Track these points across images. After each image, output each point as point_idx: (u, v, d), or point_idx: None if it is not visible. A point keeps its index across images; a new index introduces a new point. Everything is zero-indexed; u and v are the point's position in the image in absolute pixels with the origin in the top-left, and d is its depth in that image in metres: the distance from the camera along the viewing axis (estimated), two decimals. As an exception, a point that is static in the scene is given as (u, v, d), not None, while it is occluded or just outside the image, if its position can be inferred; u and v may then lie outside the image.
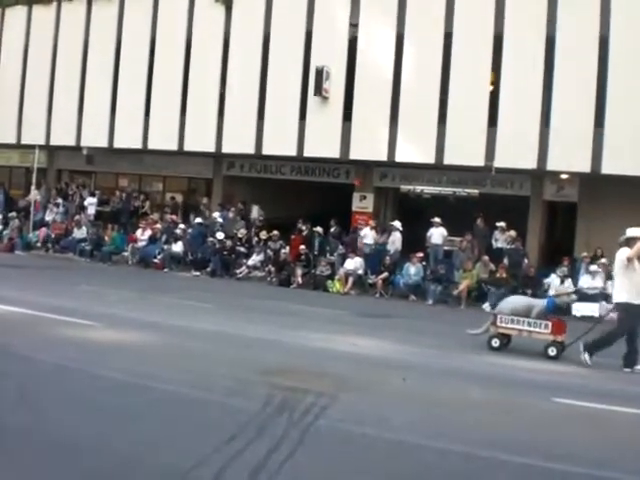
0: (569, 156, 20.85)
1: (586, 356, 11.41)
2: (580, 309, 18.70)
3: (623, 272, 11.35)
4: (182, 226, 25.15)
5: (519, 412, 8.48)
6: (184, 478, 5.55)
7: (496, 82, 22.04)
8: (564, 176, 22.64)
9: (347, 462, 6.21)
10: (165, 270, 23.38)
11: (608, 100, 20.47)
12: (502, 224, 21.95)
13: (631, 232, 11.56)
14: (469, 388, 9.53)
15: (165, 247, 24.31)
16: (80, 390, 7.89)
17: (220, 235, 23.57)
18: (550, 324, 12.05)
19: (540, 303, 12.78)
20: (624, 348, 11.32)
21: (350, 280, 21.16)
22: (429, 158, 22.74)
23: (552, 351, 11.90)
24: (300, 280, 21.75)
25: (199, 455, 5.95)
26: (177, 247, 24.13)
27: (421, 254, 21.59)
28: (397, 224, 22.81)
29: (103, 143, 27.83)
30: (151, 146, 26.93)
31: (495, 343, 12.41)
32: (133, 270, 23.75)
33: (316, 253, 22.89)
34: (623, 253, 11.38)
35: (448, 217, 23.17)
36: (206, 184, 29.63)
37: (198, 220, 25.22)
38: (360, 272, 21.54)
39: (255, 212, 26.44)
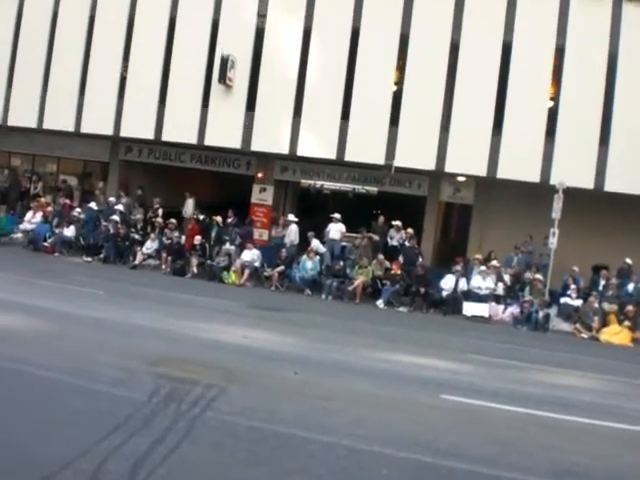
0: (467, 159, 21.33)
1: None
2: (471, 309, 19.16)
3: None
4: (78, 210, 24.31)
5: (403, 407, 8.56)
6: (65, 469, 5.33)
7: (400, 82, 22.29)
8: (461, 178, 23.14)
9: (234, 455, 6.12)
10: (56, 254, 22.56)
11: (507, 107, 21.03)
12: (397, 223, 22.23)
13: None
14: (358, 382, 9.60)
15: (57, 231, 23.47)
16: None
17: (116, 217, 22.90)
18: None
19: None
20: None
21: (246, 272, 20.98)
22: (330, 154, 22.79)
23: None
24: (195, 270, 21.39)
25: (80, 446, 5.74)
26: (69, 231, 23.32)
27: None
28: (292, 217, 22.79)
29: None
30: (47, 126, 25.88)
31: None
32: (22, 253, 22.80)
33: (212, 243, 22.56)
34: None
35: (347, 213, 23.30)
36: (102, 168, 28.75)
37: (92, 205, 24.46)
38: (257, 264, 21.39)
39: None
